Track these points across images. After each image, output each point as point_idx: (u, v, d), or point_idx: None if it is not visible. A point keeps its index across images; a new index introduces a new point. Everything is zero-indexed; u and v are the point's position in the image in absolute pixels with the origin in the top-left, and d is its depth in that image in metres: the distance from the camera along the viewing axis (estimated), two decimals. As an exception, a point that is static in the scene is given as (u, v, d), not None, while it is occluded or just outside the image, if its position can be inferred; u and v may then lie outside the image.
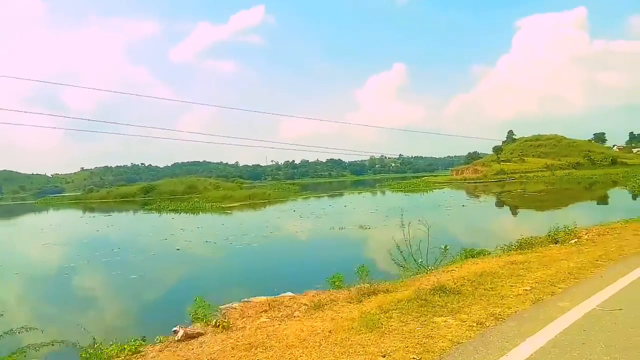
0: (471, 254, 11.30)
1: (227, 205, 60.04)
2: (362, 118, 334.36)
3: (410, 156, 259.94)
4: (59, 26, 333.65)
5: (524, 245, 11.18)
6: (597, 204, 42.18)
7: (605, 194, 51.95)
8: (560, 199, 50.51)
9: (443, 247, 15.61)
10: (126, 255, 22.70)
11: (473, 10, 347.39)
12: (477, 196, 61.30)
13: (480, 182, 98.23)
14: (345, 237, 25.05)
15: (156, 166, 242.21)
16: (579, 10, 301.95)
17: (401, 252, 9.81)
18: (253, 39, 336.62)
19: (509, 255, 9.70)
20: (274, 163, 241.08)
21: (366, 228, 27.11)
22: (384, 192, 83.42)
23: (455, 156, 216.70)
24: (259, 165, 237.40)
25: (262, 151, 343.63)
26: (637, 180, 54.03)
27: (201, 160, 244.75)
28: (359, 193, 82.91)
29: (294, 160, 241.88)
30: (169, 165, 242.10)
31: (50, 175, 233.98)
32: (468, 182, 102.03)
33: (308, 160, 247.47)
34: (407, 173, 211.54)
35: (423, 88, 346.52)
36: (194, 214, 51.63)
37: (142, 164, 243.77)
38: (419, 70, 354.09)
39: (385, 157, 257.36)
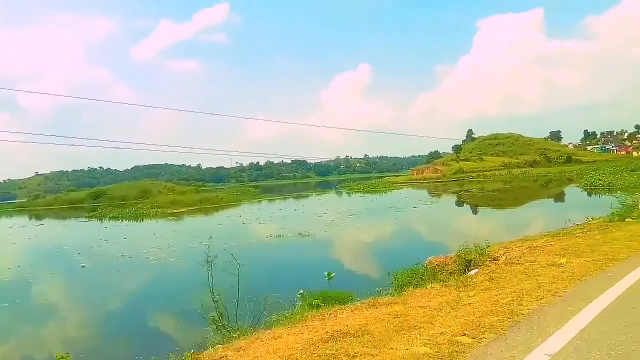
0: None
1: (175, 211, 56.76)
2: (327, 118, 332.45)
3: (376, 156, 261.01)
4: (8, 23, 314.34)
5: (400, 282, 8.97)
6: (555, 201, 43.01)
7: (561, 191, 52.49)
8: (518, 197, 51.31)
9: (327, 274, 13.70)
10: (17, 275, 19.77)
11: (436, 11, 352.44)
12: (434, 196, 60.76)
13: (438, 182, 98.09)
14: (271, 250, 22.86)
15: (115, 170, 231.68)
16: (536, 11, 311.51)
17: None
18: (218, 38, 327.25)
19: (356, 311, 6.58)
20: (239, 165, 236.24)
21: (305, 235, 25.26)
22: (341, 194, 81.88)
23: (419, 156, 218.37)
24: (223, 167, 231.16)
25: (226, 152, 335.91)
26: (590, 178, 54.93)
27: (163, 163, 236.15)
28: (317, 195, 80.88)
29: (258, 162, 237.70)
30: (129, 168, 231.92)
31: (2, 181, 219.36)
32: (427, 182, 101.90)
33: (273, 162, 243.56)
34: (372, 173, 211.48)
35: (388, 88, 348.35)
36: (136, 220, 48.43)
37: (100, 167, 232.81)
38: (383, 70, 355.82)
39: (351, 158, 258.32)
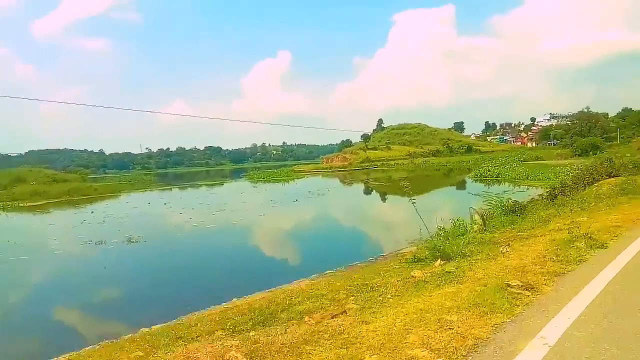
0: None
1: (33, 204, 46.60)
2: (248, 105, 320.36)
3: (294, 144, 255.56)
4: None
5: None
6: (456, 189, 44.02)
7: (460, 180, 51.65)
8: (422, 185, 49.57)
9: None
10: None
11: (354, 3, 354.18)
12: (333, 186, 57.17)
13: (344, 170, 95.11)
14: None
15: (7, 154, 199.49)
16: (447, 8, 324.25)
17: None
18: (130, 16, 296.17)
19: None
20: (148, 151, 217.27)
21: (133, 242, 19.65)
22: (239, 182, 75.60)
23: (336, 144, 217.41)
24: (130, 153, 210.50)
25: (135, 137, 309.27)
26: (480, 169, 53.27)
27: (62, 148, 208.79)
28: (211, 185, 73.09)
29: (168, 148, 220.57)
30: (23, 153, 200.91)
31: None
32: (332, 171, 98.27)
33: (184, 148, 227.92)
34: (288, 161, 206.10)
35: (308, 77, 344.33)
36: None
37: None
38: (304, 58, 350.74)
39: (269, 145, 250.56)
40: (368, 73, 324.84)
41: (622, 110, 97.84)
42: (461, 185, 46.05)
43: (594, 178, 19.05)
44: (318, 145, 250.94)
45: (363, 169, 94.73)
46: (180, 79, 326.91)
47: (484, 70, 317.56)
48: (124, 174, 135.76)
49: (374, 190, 50.90)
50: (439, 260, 7.34)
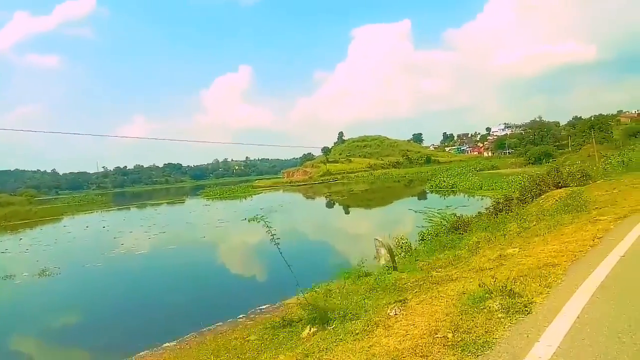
0: None
1: None
2: (209, 119, 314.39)
3: (257, 159, 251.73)
4: None
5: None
6: (418, 199, 43.10)
7: (422, 190, 51.28)
8: (384, 197, 51.88)
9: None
10: None
11: (314, 18, 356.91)
12: (299, 199, 57.36)
13: (304, 184, 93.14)
14: None
15: None
16: (404, 23, 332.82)
17: None
18: (83, 32, 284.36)
19: None
20: (104, 169, 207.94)
21: (45, 275, 17.83)
22: (194, 200, 73.33)
23: (299, 158, 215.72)
24: (85, 172, 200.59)
25: (91, 156, 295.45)
26: (436, 180, 52.59)
27: (12, 169, 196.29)
28: (163, 204, 69.99)
29: (126, 166, 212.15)
30: None
31: None
32: (293, 185, 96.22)
33: (142, 166, 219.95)
34: (251, 176, 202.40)
35: (269, 91, 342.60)
36: None
37: None
38: (265, 73, 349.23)
39: (232, 160, 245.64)
40: (329, 87, 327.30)
41: (573, 118, 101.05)
42: (422, 196, 45.50)
43: (541, 189, 17.58)
44: (281, 160, 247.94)
45: (323, 182, 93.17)
46: (138, 95, 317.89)
47: (441, 83, 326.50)
48: (76, 195, 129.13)
49: (327, 206, 49.40)
50: (308, 328, 5.06)
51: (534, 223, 9.98)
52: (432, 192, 47.13)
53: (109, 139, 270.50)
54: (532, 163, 60.02)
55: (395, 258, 7.01)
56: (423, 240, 16.93)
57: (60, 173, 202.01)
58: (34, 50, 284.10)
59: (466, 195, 41.27)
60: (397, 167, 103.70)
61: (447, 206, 19.28)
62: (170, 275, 17.49)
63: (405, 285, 6.04)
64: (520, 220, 10.73)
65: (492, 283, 4.35)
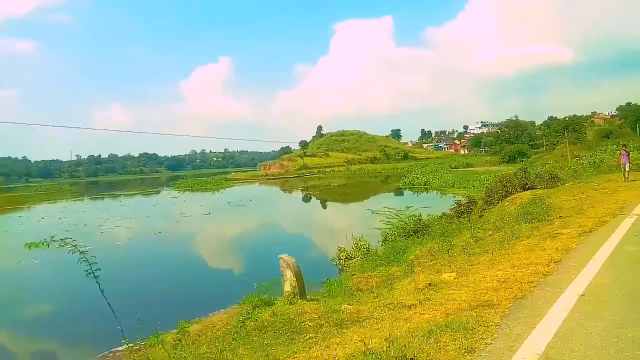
0: None
1: None
2: (188, 109, 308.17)
3: (235, 151, 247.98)
4: None
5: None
6: (395, 195, 42.91)
7: (397, 187, 50.13)
8: (361, 192, 51.28)
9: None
10: None
11: (296, 10, 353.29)
12: (270, 193, 55.00)
13: (280, 178, 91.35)
14: None
15: None
16: (386, 19, 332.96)
17: None
18: (61, 18, 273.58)
19: None
20: (78, 158, 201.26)
21: None
22: (165, 192, 70.72)
23: (278, 151, 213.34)
24: (58, 160, 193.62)
25: (65, 144, 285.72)
26: (410, 177, 51.76)
27: None
28: (131, 195, 67.54)
29: (100, 155, 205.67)
30: None
31: None
32: (268, 178, 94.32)
33: (117, 155, 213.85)
34: (229, 168, 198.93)
35: (250, 83, 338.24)
36: None
37: None
38: (246, 64, 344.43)
39: (210, 152, 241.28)
40: (310, 80, 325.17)
41: (548, 118, 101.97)
42: (398, 192, 44.94)
43: (507, 191, 16.38)
44: (261, 152, 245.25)
45: (299, 176, 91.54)
46: (115, 83, 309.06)
47: (420, 80, 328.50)
48: (45, 184, 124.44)
49: (298, 200, 48.09)
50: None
51: (490, 233, 8.61)
52: (405, 189, 46.44)
53: (84, 129, 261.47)
54: (506, 161, 59.73)
55: (304, 284, 5.41)
56: (386, 240, 15.69)
57: (32, 160, 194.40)
58: (9, 35, 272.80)
59: (438, 193, 40.66)
60: (374, 163, 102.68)
61: (408, 207, 17.85)
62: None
63: (302, 325, 4.50)
64: (476, 228, 9.34)
65: (385, 349, 2.80)
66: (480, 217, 13.34)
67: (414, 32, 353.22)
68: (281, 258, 5.59)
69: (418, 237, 14.15)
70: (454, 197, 34.07)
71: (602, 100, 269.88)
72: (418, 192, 43.85)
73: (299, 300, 5.22)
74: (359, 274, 7.53)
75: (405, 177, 55.00)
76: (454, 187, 41.25)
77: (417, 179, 49.50)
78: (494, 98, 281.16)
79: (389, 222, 16.16)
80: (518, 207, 10.64)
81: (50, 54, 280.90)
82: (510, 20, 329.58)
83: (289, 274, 5.39)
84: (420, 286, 4.85)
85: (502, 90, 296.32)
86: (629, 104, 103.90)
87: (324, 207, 41.78)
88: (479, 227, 9.61)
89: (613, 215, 7.83)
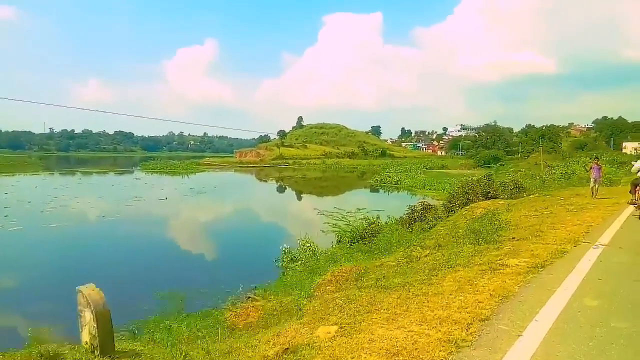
0: None
1: None
2: (169, 91, 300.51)
3: (215, 136, 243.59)
4: None
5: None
6: (370, 191, 42.90)
7: (370, 184, 48.94)
8: (338, 185, 51.34)
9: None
10: None
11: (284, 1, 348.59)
12: (236, 182, 53.39)
13: (254, 166, 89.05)
14: None
15: None
16: (376, 15, 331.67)
17: None
18: None
19: None
20: (50, 131, 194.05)
21: None
22: (133, 173, 67.86)
23: (257, 139, 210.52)
24: (30, 132, 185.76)
25: (39, 116, 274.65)
26: (382, 175, 50.75)
27: None
28: (91, 174, 64.30)
29: (73, 130, 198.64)
30: None
31: None
32: (242, 166, 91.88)
33: (91, 131, 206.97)
34: (206, 152, 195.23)
35: (235, 68, 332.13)
36: None
37: None
38: (232, 49, 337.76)
39: (189, 135, 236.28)
40: (295, 70, 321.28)
41: (526, 126, 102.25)
42: (374, 189, 44.09)
43: (468, 198, 14.94)
44: (240, 139, 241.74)
45: (274, 166, 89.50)
46: (95, 57, 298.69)
47: (405, 80, 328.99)
48: (8, 155, 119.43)
49: (264, 191, 46.27)
50: None
51: (428, 252, 6.97)
52: (376, 186, 45.47)
53: (58, 100, 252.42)
54: (480, 166, 59.10)
55: (113, 335, 3.45)
56: (340, 242, 14.21)
57: (2, 130, 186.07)
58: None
59: (408, 193, 39.75)
60: (352, 158, 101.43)
61: (360, 209, 16.20)
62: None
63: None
64: (414, 245, 7.70)
65: None
66: (430, 228, 11.80)
67: (403, 31, 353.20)
68: (80, 291, 3.65)
69: (365, 243, 12.68)
70: (423, 198, 33.15)
71: (580, 112, 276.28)
72: (389, 190, 42.97)
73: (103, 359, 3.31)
74: (258, 296, 5.80)
75: (378, 174, 53.79)
76: (424, 188, 40.54)
77: (389, 177, 48.38)
78: (475, 102, 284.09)
79: (336, 224, 14.50)
80: (469, 221, 9.06)
81: (29, 21, 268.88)
82: (496, 27, 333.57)
83: (88, 316, 3.46)
84: (270, 354, 3.12)
85: (484, 95, 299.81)
86: (605, 117, 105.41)
87: (290, 200, 40.14)
88: (420, 243, 7.98)
89: (575, 243, 6.29)
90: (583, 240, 6.47)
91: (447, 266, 5.56)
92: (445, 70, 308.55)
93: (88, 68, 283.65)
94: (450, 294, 4.22)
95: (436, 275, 5.11)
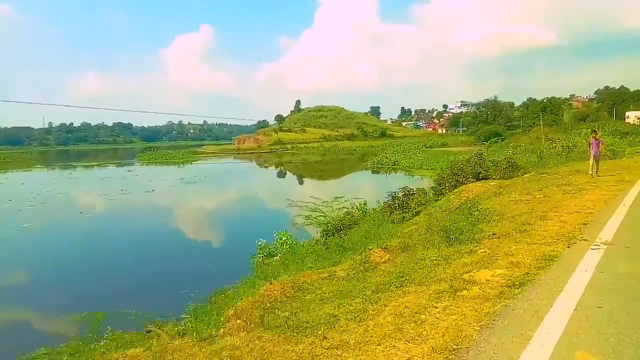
0: None
1: None
2: (167, 80, 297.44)
3: (215, 123, 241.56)
4: None
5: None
6: (372, 172, 42.81)
7: (366, 166, 48.75)
8: (339, 168, 51.21)
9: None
10: None
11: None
12: (231, 170, 52.80)
13: (252, 153, 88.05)
14: None
15: None
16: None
17: None
18: None
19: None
20: (49, 125, 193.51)
21: None
22: (129, 165, 66.75)
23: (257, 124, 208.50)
24: (29, 127, 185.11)
25: (38, 111, 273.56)
26: (379, 157, 49.55)
27: None
28: (88, 167, 63.63)
29: (72, 123, 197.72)
30: None
31: None
32: (239, 153, 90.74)
33: (90, 124, 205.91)
34: (206, 140, 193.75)
35: (232, 54, 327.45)
36: None
37: None
38: (227, 34, 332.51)
39: (188, 123, 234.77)
40: (293, 54, 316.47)
41: (527, 100, 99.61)
42: (375, 171, 43.75)
43: (457, 180, 13.55)
44: (240, 126, 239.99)
45: (272, 151, 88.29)
46: (92, 50, 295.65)
47: (403, 58, 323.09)
48: (5, 151, 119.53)
49: (255, 180, 45.17)
50: None
51: (386, 258, 5.62)
52: (373, 168, 44.27)
53: (57, 94, 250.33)
54: (481, 142, 57.40)
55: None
56: (325, 233, 12.97)
57: (1, 127, 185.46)
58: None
59: (406, 174, 38.73)
60: (351, 140, 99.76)
61: (338, 197, 14.85)
62: None
63: None
64: (377, 248, 6.33)
65: None
66: (413, 216, 10.44)
67: (400, 8, 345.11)
68: None
69: (341, 236, 11.42)
70: (420, 178, 31.91)
71: (582, 83, 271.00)
72: (387, 172, 41.93)
73: None
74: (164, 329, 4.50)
75: (376, 156, 52.38)
76: (422, 168, 39.44)
77: (386, 158, 47.03)
78: (475, 77, 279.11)
79: (309, 216, 13.20)
80: (445, 212, 7.68)
81: (24, 15, 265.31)
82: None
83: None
84: None
85: (484, 70, 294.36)
86: (607, 87, 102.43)
87: (284, 186, 38.99)
88: (385, 242, 6.62)
89: (568, 241, 4.89)
90: (579, 236, 5.07)
91: (397, 283, 4.21)
92: (444, 46, 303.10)
93: (84, 61, 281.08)
94: (379, 344, 2.87)
95: (377, 302, 3.75)
